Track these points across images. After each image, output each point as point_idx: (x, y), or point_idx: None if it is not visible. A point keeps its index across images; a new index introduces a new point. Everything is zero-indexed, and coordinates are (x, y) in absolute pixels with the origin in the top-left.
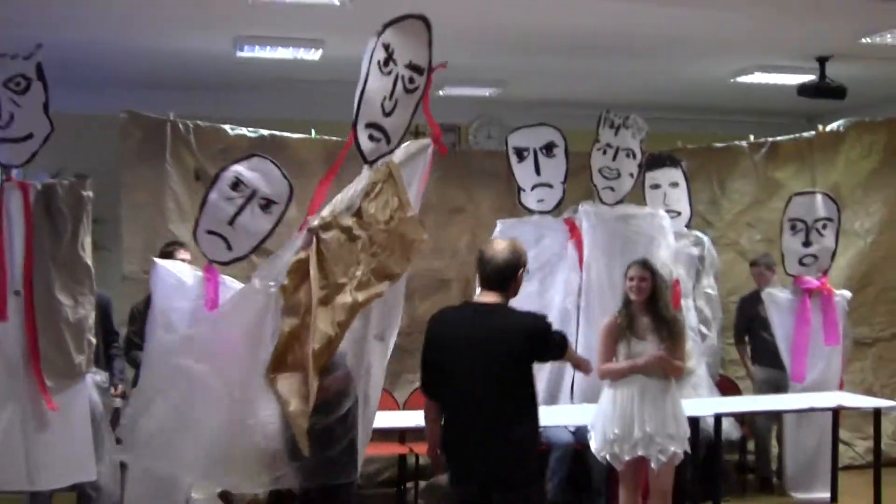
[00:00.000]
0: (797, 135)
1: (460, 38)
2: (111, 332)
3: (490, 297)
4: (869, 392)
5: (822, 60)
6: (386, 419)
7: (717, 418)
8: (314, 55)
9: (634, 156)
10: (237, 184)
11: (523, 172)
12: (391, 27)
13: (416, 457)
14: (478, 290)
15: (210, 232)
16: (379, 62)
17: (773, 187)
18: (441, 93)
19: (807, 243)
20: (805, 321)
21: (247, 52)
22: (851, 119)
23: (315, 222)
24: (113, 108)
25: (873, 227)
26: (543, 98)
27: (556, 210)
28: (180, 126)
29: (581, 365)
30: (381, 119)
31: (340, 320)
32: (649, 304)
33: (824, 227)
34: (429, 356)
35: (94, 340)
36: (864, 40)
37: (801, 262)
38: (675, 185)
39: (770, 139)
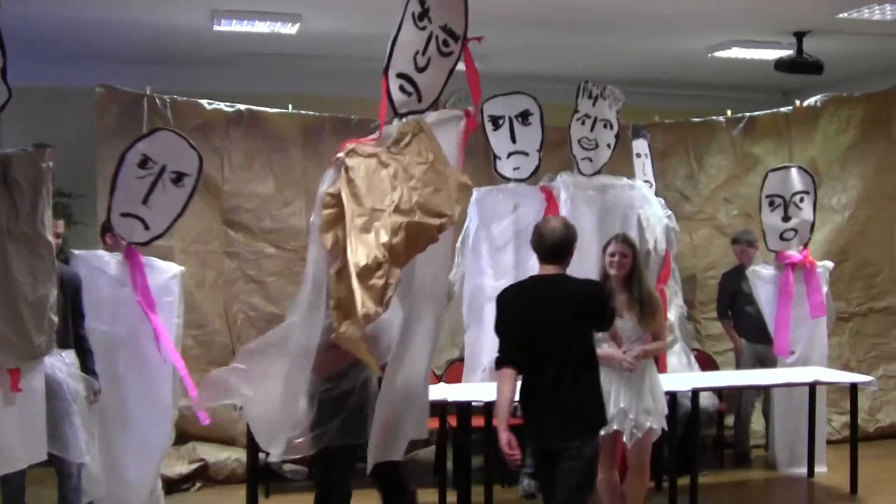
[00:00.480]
0: (774, 110)
1: None
2: (79, 315)
3: (550, 269)
4: (846, 367)
5: (800, 35)
6: None
7: (695, 393)
8: (291, 29)
9: (612, 126)
10: (145, 161)
11: (498, 140)
12: None
13: None
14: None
15: (124, 214)
16: (414, 14)
17: (750, 162)
18: None
19: (786, 218)
20: (788, 295)
21: (224, 26)
22: (828, 94)
23: (340, 153)
24: (89, 82)
25: (850, 202)
26: (521, 73)
27: (532, 178)
28: (157, 100)
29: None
30: (413, 73)
31: (384, 241)
32: (628, 281)
33: (801, 200)
34: (509, 329)
35: (55, 319)
36: (841, 15)
37: (781, 238)
38: (646, 155)
39: (747, 114)
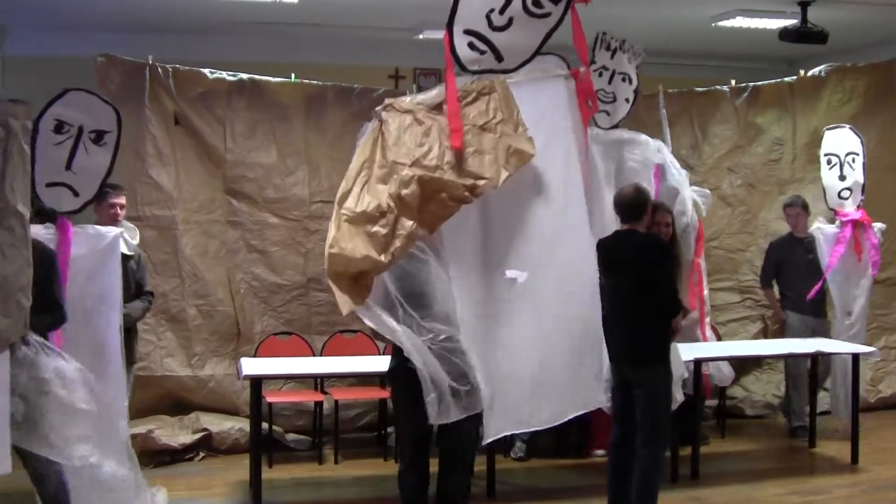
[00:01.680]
0: (778, 79)
1: None
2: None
3: (625, 226)
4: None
5: (804, 5)
6: (366, 364)
7: (697, 363)
8: None
9: (630, 80)
10: (60, 126)
11: None
12: None
13: None
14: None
15: (50, 184)
16: None
17: (753, 132)
18: (421, 36)
19: (842, 177)
20: (844, 248)
21: None
22: (832, 64)
23: (379, 107)
24: (91, 51)
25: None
26: None
27: None
28: (159, 70)
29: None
30: (486, 31)
31: (392, 192)
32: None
33: (853, 160)
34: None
35: (25, 303)
36: None
37: (839, 196)
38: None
39: (751, 84)
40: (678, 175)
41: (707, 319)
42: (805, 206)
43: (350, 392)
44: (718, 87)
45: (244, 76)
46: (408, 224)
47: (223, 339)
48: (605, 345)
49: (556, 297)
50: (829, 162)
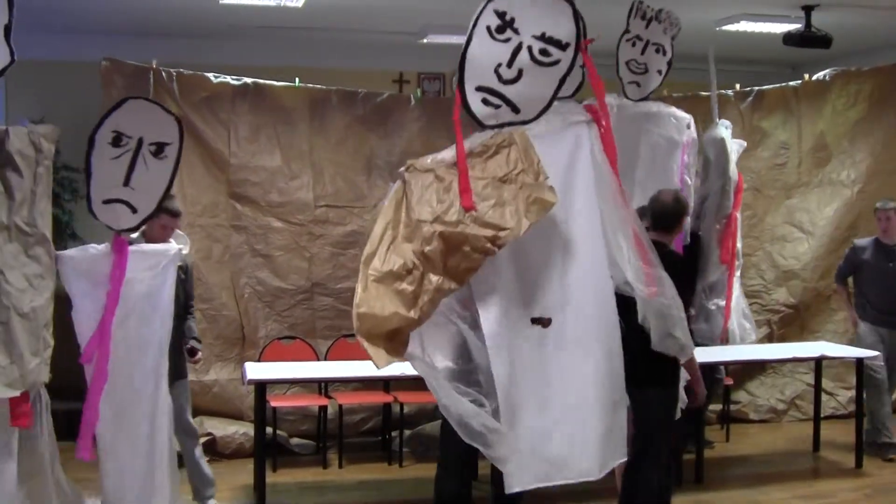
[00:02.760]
0: (783, 84)
1: None
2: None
3: (653, 235)
4: (852, 342)
5: (808, 9)
6: (371, 369)
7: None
8: (297, 2)
9: (664, 52)
10: (119, 138)
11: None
12: None
13: (401, 406)
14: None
15: (108, 201)
16: (489, 28)
17: (758, 136)
18: (425, 40)
19: None
20: None
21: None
22: (837, 68)
23: (402, 168)
24: (95, 54)
25: (859, 176)
26: None
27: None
28: (163, 74)
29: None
30: (497, 85)
31: (416, 249)
32: None
33: None
34: None
35: (50, 341)
36: None
37: None
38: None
39: (755, 88)
40: (723, 129)
41: (737, 273)
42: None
43: (354, 396)
44: (723, 91)
45: (248, 80)
46: (434, 279)
47: (227, 344)
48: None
49: (585, 344)
50: None
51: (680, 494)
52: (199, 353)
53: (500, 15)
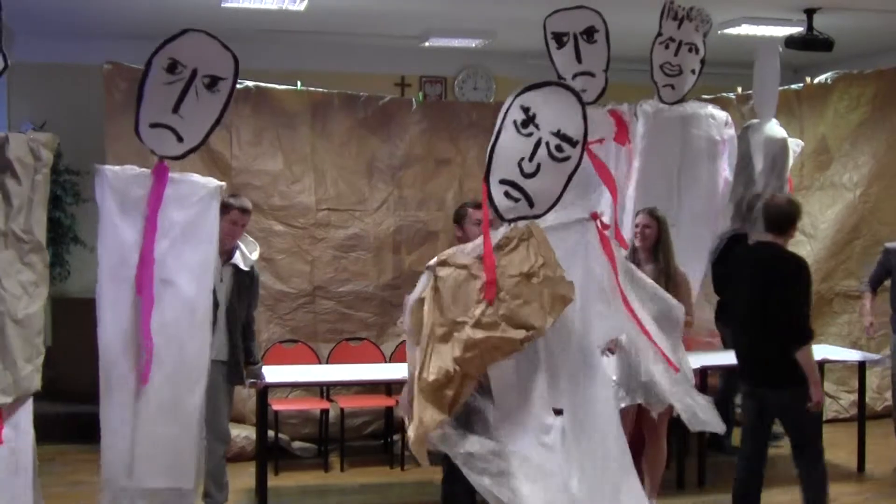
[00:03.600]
0: (785, 87)
1: None
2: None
3: (768, 236)
4: (854, 345)
5: (810, 12)
6: (372, 372)
7: (703, 371)
8: (299, 6)
9: (697, 50)
10: (174, 65)
11: (563, 60)
12: (532, 91)
13: None
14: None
15: (155, 125)
16: (515, 122)
17: None
18: (427, 44)
19: None
20: None
21: (232, 3)
22: (839, 71)
23: (432, 261)
24: (97, 58)
25: (861, 179)
26: (531, 49)
27: (598, 101)
28: None
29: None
30: (519, 179)
31: (457, 356)
32: (654, 253)
33: None
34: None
35: (42, 349)
36: None
37: None
38: None
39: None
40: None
41: None
42: None
43: (356, 400)
44: (725, 94)
45: (250, 83)
46: (471, 382)
47: None
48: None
49: (588, 437)
50: None
51: (682, 497)
52: (261, 384)
53: (525, 110)
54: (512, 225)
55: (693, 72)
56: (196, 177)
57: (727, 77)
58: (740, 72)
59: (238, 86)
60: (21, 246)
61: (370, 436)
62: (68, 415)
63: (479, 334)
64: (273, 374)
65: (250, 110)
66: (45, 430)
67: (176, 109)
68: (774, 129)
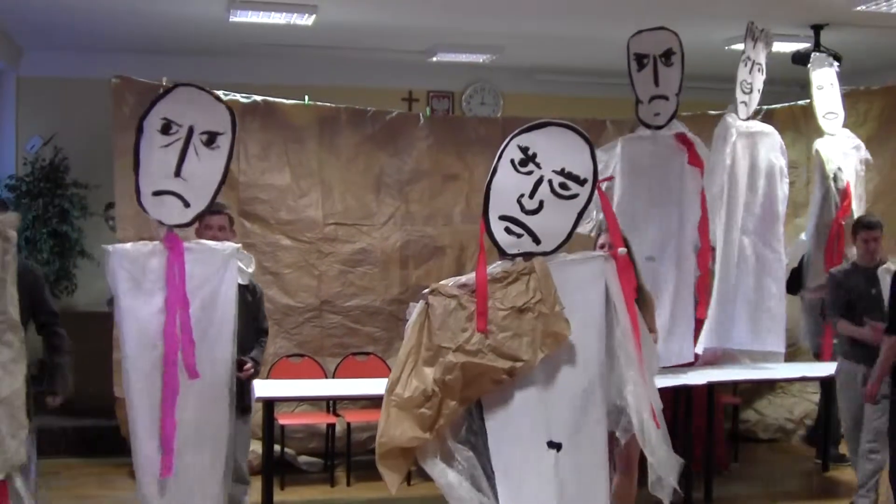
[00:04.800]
0: (791, 102)
1: (454, 3)
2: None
3: None
4: None
5: (817, 28)
6: (379, 387)
7: (710, 387)
8: (307, 20)
9: (763, 71)
10: (168, 125)
11: (642, 82)
12: (532, 132)
13: None
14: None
15: (158, 193)
16: (513, 161)
17: None
18: (434, 59)
19: None
20: None
21: (240, 17)
22: (846, 87)
23: (426, 290)
24: (106, 72)
25: (867, 195)
26: (538, 65)
27: (667, 125)
28: None
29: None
30: (519, 215)
31: (437, 377)
32: None
33: None
34: None
35: (26, 422)
36: (859, 8)
37: None
38: (831, 85)
39: (764, 107)
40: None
41: None
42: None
43: (362, 414)
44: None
45: (257, 98)
46: (451, 404)
47: None
48: None
49: (593, 468)
50: None
51: None
52: (250, 369)
53: (524, 150)
54: (517, 260)
55: (758, 91)
56: (210, 243)
57: (733, 93)
58: None
59: (246, 100)
60: None
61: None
62: (74, 429)
63: (461, 358)
64: (279, 388)
65: (258, 125)
66: (51, 444)
67: (178, 173)
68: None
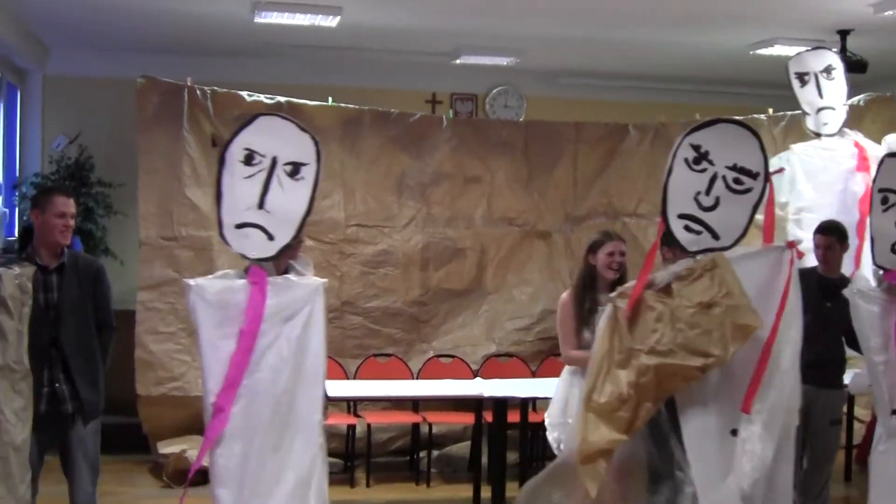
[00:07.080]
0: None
1: (479, 5)
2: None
3: None
4: None
5: (843, 33)
6: (400, 388)
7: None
8: (332, 22)
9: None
10: (251, 156)
11: (807, 96)
12: (702, 130)
13: (430, 426)
14: None
15: (240, 226)
16: (686, 160)
17: None
18: (458, 61)
19: None
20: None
21: (265, 18)
22: (872, 94)
23: (614, 293)
24: (131, 72)
25: None
26: (562, 68)
27: (839, 133)
28: (197, 92)
29: None
30: (697, 212)
31: (631, 380)
32: (616, 286)
33: None
34: None
35: (29, 467)
36: (886, 13)
37: (894, 250)
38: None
39: (789, 113)
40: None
41: None
42: (844, 238)
43: (383, 416)
44: (756, 115)
45: (281, 99)
46: (647, 405)
47: None
48: None
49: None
50: (884, 201)
51: None
52: None
53: (696, 148)
54: (698, 257)
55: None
56: (295, 278)
57: (758, 98)
58: (772, 92)
59: (269, 100)
60: (13, 376)
61: (397, 452)
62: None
63: (653, 360)
64: None
65: None
66: None
67: (261, 205)
68: None
